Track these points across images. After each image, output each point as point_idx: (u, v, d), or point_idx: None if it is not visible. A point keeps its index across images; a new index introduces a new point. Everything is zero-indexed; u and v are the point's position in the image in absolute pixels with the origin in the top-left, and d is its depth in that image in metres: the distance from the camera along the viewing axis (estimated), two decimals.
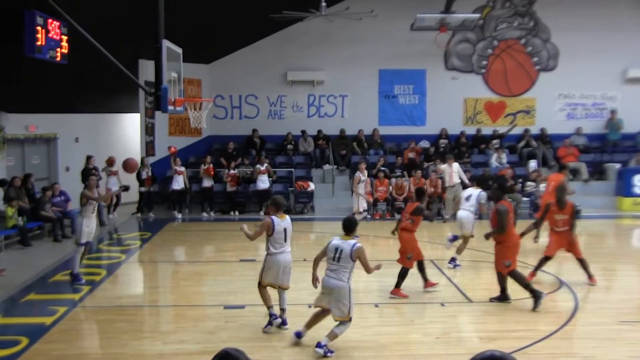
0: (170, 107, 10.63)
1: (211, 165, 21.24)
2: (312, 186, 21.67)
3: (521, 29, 24.65)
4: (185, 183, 20.89)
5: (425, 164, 22.33)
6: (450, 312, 9.97)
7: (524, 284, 10.13)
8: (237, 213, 21.20)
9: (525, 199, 20.76)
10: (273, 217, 8.95)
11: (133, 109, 22.29)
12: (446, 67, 24.64)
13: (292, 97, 24.52)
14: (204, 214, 21.10)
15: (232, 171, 21.42)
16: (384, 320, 9.70)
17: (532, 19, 24.59)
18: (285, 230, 8.96)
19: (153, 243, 16.56)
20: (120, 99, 21.90)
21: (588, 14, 23.76)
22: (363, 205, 18.30)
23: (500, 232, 10.08)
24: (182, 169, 20.97)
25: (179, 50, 11.30)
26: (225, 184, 21.53)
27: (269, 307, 9.08)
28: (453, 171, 19.96)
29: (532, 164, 22.35)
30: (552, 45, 24.56)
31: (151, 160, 22.00)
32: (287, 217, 9.08)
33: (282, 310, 9.12)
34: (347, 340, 8.47)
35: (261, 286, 9.10)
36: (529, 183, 20.89)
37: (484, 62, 24.66)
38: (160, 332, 9.33)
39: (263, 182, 21.07)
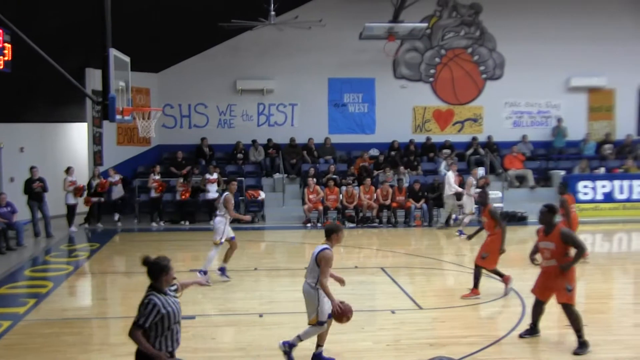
0: (118, 117, 10.49)
1: (160, 181, 21.09)
2: (262, 195, 21.63)
3: (468, 38, 25.09)
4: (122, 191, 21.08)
5: (375, 172, 22.50)
6: (401, 319, 10.05)
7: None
8: (187, 223, 21.02)
9: (474, 206, 21.03)
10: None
11: (80, 118, 21.92)
12: (395, 76, 24.91)
13: (241, 106, 24.46)
14: (154, 224, 20.86)
15: (181, 180, 21.25)
16: (335, 328, 9.68)
17: (479, 29, 25.05)
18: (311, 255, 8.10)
19: (101, 254, 16.28)
20: (67, 108, 21.50)
21: (532, 25, 24.31)
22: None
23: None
24: (117, 178, 20.98)
25: (127, 59, 11.17)
26: (175, 194, 21.33)
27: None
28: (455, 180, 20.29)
29: (480, 171, 22.71)
30: (498, 55, 25.05)
31: (100, 170, 21.65)
32: (323, 245, 7.99)
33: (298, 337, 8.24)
34: (298, 349, 8.46)
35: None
36: (477, 190, 21.18)
37: (432, 71, 25.00)
38: (109, 345, 9.17)
39: (213, 192, 20.97)
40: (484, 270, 11.18)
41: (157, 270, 6.09)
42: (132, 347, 8.63)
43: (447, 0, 24.89)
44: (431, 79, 25.02)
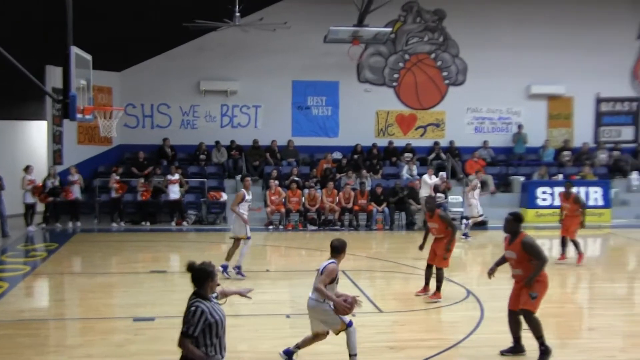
0: (79, 115, 10.34)
1: (120, 181, 20.89)
2: (224, 197, 21.54)
3: (431, 43, 25.31)
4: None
5: (338, 176, 22.56)
6: (361, 322, 10.04)
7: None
8: (148, 223, 20.83)
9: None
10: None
11: (39, 116, 21.58)
12: (359, 80, 25.02)
13: (205, 107, 24.33)
14: (114, 224, 20.62)
15: (143, 181, 21.06)
16: (296, 331, 9.68)
17: (442, 35, 25.30)
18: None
19: (60, 254, 16.04)
20: (26, 106, 21.14)
21: (494, 33, 24.66)
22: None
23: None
24: (77, 177, 20.71)
25: (89, 57, 11.03)
26: (135, 194, 21.13)
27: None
28: (432, 181, 20.65)
29: (442, 175, 22.91)
30: (461, 61, 25.33)
31: (59, 169, 21.34)
32: (330, 260, 7.94)
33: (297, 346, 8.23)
34: (258, 352, 8.45)
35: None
36: (438, 194, 21.37)
37: (396, 76, 25.18)
38: (66, 346, 9.03)
39: (174, 193, 20.85)
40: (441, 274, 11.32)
41: (203, 277, 5.76)
42: (90, 349, 8.56)
43: (412, 5, 25.09)
44: (395, 84, 25.18)
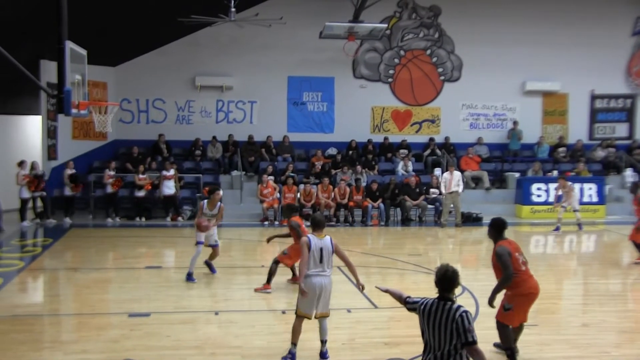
0: (74, 110, 10.31)
1: (115, 177, 20.87)
2: (220, 192, 21.44)
3: (427, 40, 25.32)
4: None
5: (333, 172, 22.57)
6: (357, 318, 10.09)
7: None
8: (143, 219, 20.80)
9: (430, 205, 21.32)
10: (310, 235, 8.10)
11: (34, 111, 21.53)
12: (354, 76, 25.01)
13: (200, 102, 24.30)
14: (109, 220, 20.60)
15: (142, 175, 21.02)
16: (291, 327, 9.71)
17: (437, 31, 25.30)
18: (321, 250, 7.99)
19: (54, 249, 16.00)
20: (20, 101, 21.10)
21: (489, 29, 24.70)
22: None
23: None
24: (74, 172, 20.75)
25: (84, 52, 10.99)
26: (131, 189, 21.12)
27: (293, 344, 8.08)
28: (453, 179, 20.38)
29: (437, 172, 22.97)
30: (456, 57, 25.35)
31: (53, 164, 21.31)
32: (328, 237, 8.11)
33: (322, 342, 8.15)
34: (254, 347, 8.46)
35: (297, 316, 8.11)
36: (432, 190, 21.44)
37: (391, 72, 25.17)
38: (61, 342, 9.02)
39: (169, 188, 20.83)
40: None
41: (458, 282, 5.75)
42: (85, 345, 8.55)
43: (407, 1, 25.09)
44: (390, 80, 25.19)
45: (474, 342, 5.48)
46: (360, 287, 8.17)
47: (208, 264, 13.06)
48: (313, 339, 8.62)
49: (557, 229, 19.21)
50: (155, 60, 23.84)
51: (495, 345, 8.39)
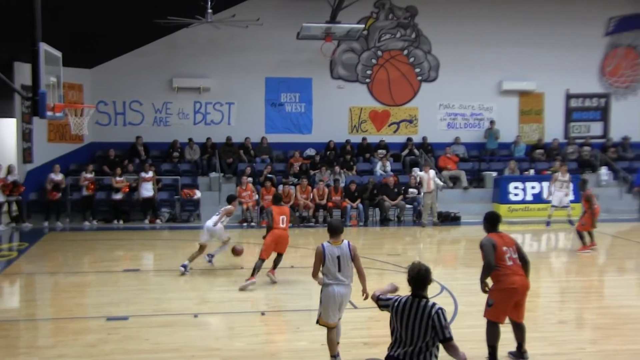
0: (49, 113, 10.21)
1: (92, 179, 20.73)
2: (198, 194, 21.47)
3: (404, 40, 25.41)
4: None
5: (312, 172, 22.57)
6: None
7: None
8: (121, 222, 20.67)
9: (408, 205, 21.41)
10: (324, 243, 7.83)
11: (8, 114, 21.28)
12: (332, 76, 25.04)
13: (178, 104, 24.19)
14: (86, 223, 20.44)
15: (119, 178, 20.89)
16: (271, 328, 9.72)
17: (414, 31, 25.41)
18: (338, 258, 7.75)
19: (31, 253, 15.85)
20: None
21: (466, 29, 24.83)
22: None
23: None
24: (60, 177, 20.52)
25: (59, 54, 10.89)
26: (109, 192, 20.97)
27: (332, 357, 7.84)
28: (430, 178, 20.43)
29: (415, 171, 23.04)
30: (433, 57, 25.47)
31: (29, 167, 21.11)
32: (346, 242, 7.85)
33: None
34: (233, 349, 8.43)
35: (321, 325, 7.87)
36: (411, 190, 21.53)
37: (369, 72, 25.24)
38: (38, 347, 8.93)
39: (147, 190, 20.74)
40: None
41: (430, 279, 5.88)
42: (62, 350, 8.47)
43: (384, 2, 25.16)
44: (367, 80, 25.25)
45: (451, 339, 5.61)
46: (364, 296, 7.94)
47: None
48: (293, 339, 8.64)
49: (548, 224, 19.86)
50: (132, 61, 23.68)
51: (510, 353, 8.26)
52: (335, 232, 7.84)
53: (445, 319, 5.61)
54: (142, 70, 23.60)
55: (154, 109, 24.07)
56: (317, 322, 7.86)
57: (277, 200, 12.81)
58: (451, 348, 5.68)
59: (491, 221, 8.23)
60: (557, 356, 8.38)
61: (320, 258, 7.73)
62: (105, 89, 23.51)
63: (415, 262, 5.96)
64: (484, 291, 8.08)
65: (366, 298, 7.88)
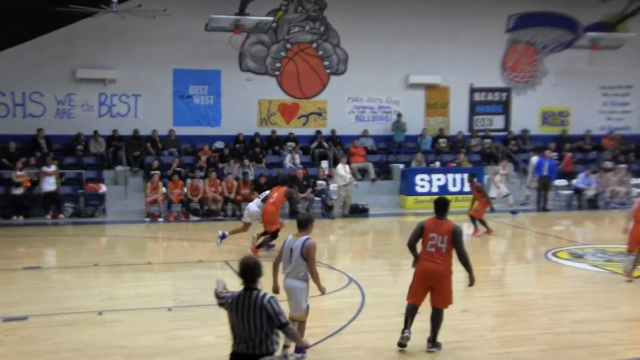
0: None
1: None
2: (103, 188, 20.95)
3: (313, 33, 25.51)
4: None
5: (220, 165, 22.39)
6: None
7: None
8: (21, 217, 19.91)
9: (317, 198, 21.55)
10: (290, 236, 7.88)
11: None
12: (241, 69, 24.88)
13: (82, 96, 23.45)
14: None
15: (19, 172, 20.12)
16: (178, 324, 9.59)
17: (323, 24, 25.55)
18: (291, 251, 7.73)
19: None
20: None
21: (374, 23, 25.17)
22: None
23: None
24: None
25: None
26: (6, 187, 20.16)
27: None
28: (346, 171, 20.67)
29: (324, 164, 23.25)
30: (342, 50, 25.69)
31: None
32: (303, 238, 7.74)
33: (284, 346, 7.58)
34: (138, 347, 8.29)
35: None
36: (319, 182, 21.69)
37: (278, 65, 25.21)
38: None
39: (50, 185, 20.05)
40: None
41: (260, 272, 5.84)
42: None
43: None
44: (277, 73, 25.22)
45: (287, 324, 5.75)
46: (322, 292, 7.98)
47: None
48: (200, 335, 8.55)
49: (514, 212, 21.15)
50: (31, 51, 22.75)
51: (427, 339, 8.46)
52: (299, 225, 7.92)
53: (278, 306, 5.71)
54: (43, 60, 22.72)
55: (56, 100, 23.25)
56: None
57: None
58: (288, 332, 5.86)
59: (435, 206, 8.69)
60: (460, 344, 8.65)
61: (281, 249, 7.91)
62: (3, 79, 22.51)
63: (244, 256, 6.07)
64: (413, 267, 8.70)
65: (323, 293, 8.03)
